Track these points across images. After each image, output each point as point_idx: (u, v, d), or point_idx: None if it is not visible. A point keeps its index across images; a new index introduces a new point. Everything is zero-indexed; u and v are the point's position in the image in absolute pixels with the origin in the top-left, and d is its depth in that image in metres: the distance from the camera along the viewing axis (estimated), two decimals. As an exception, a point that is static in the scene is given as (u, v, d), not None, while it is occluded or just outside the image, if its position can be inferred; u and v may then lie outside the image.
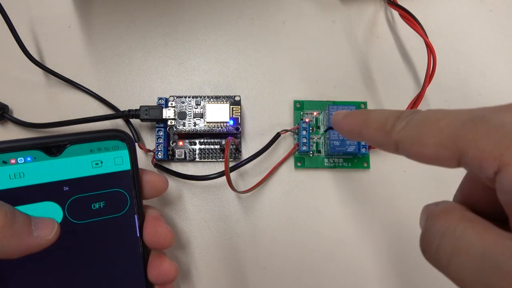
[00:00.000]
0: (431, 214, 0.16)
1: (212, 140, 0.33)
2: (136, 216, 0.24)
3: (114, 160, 0.23)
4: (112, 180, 0.23)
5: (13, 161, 0.21)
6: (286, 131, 0.33)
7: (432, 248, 0.15)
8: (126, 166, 0.23)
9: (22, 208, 0.21)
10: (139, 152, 0.33)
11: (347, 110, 0.20)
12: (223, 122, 0.31)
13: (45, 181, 0.22)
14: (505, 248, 0.12)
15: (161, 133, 0.32)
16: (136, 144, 0.32)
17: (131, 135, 0.33)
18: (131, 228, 0.24)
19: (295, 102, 0.35)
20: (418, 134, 0.15)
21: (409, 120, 0.16)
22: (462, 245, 0.13)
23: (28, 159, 0.22)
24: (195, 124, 0.31)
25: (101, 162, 0.23)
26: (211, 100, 0.32)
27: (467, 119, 0.14)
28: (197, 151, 0.33)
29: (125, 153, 0.23)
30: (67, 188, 0.22)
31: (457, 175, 0.36)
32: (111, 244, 0.23)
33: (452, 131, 0.14)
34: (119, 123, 0.34)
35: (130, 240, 0.24)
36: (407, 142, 0.15)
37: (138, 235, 0.24)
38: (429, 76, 0.32)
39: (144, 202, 0.25)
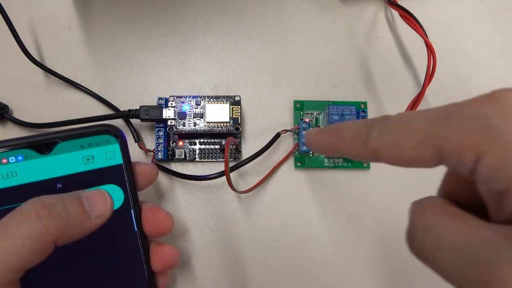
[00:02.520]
0: (415, 210, 0.16)
1: (212, 140, 0.33)
2: (132, 210, 0.24)
3: (106, 154, 0.23)
4: (105, 175, 0.23)
5: (4, 161, 0.21)
6: (286, 131, 0.33)
7: (417, 244, 0.15)
8: (118, 160, 0.23)
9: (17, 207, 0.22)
10: (140, 152, 0.33)
11: (318, 128, 0.20)
12: (223, 122, 0.31)
13: (38, 179, 0.22)
14: (483, 238, 0.13)
15: (161, 133, 0.32)
16: (136, 144, 0.32)
17: (134, 129, 0.33)
18: (128, 222, 0.24)
19: (295, 102, 0.35)
20: (394, 139, 0.15)
21: (383, 127, 0.16)
22: (444, 238, 0.14)
23: (19, 158, 0.22)
24: (195, 124, 0.31)
25: (93, 158, 0.23)
26: (211, 100, 0.32)
27: (440, 117, 0.14)
28: (197, 151, 0.33)
29: (116, 147, 0.23)
30: (60, 185, 0.22)
31: (457, 175, 0.36)
32: (109, 240, 0.23)
33: (428, 130, 0.14)
34: (119, 123, 0.34)
35: (128, 234, 0.24)
36: (384, 148, 0.15)
37: (136, 229, 0.24)
38: (429, 76, 0.32)
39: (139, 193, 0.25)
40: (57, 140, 0.22)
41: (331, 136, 0.18)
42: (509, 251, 0.12)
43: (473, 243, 0.13)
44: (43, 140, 0.22)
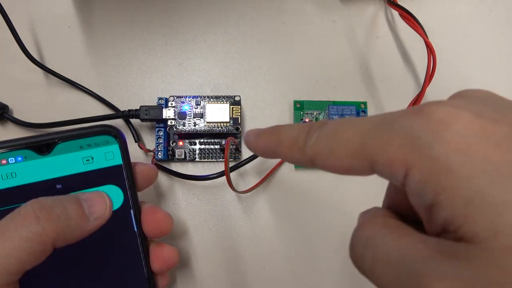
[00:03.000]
0: (359, 222, 0.16)
1: (212, 140, 0.33)
2: (131, 210, 0.24)
3: (105, 155, 0.23)
4: (104, 176, 0.23)
5: (4, 161, 0.21)
6: (286, 131, 0.33)
7: (358, 258, 0.15)
8: (118, 160, 0.23)
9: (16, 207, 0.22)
10: (139, 152, 0.33)
11: (258, 129, 0.19)
12: (223, 122, 0.31)
13: (38, 180, 0.22)
14: (415, 251, 0.13)
15: (161, 133, 0.32)
16: (136, 144, 0.32)
17: (129, 130, 0.33)
18: (127, 223, 0.24)
19: (295, 102, 0.35)
20: (329, 147, 0.15)
21: (319, 134, 0.16)
22: (381, 253, 0.14)
23: (19, 158, 0.22)
24: (195, 124, 0.31)
25: (92, 158, 0.23)
26: (211, 100, 0.32)
27: (372, 127, 0.14)
28: (197, 151, 0.33)
29: (115, 148, 0.23)
30: (60, 186, 0.22)
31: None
32: (108, 240, 0.23)
33: (360, 140, 0.14)
34: (119, 123, 0.34)
35: (128, 235, 0.24)
36: (320, 157, 0.15)
37: (136, 229, 0.24)
38: (429, 76, 0.32)
39: (139, 194, 0.25)
40: (56, 140, 0.22)
41: (270, 139, 0.18)
42: (438, 264, 0.12)
43: (406, 257, 0.13)
44: (43, 140, 0.22)
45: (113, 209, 0.23)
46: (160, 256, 0.24)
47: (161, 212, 0.25)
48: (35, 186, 0.22)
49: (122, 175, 0.23)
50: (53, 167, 0.22)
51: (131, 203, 0.24)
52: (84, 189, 0.23)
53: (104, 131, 0.23)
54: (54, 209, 0.19)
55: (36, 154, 0.22)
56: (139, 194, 0.25)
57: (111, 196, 0.23)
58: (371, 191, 0.34)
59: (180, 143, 0.33)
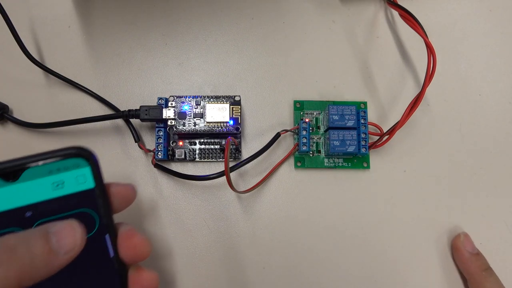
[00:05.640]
0: None
1: (212, 140, 0.33)
2: (107, 235, 0.22)
3: (77, 179, 0.22)
4: (76, 201, 0.22)
5: None
6: (286, 131, 0.33)
7: None
8: (90, 184, 0.22)
9: None
10: (139, 152, 0.33)
11: None
12: (223, 122, 0.31)
13: (6, 208, 0.21)
14: None
15: (161, 133, 0.32)
16: (136, 144, 0.32)
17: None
18: (103, 249, 0.22)
19: (295, 102, 0.35)
20: None
21: None
22: None
23: None
24: (195, 124, 0.31)
25: (63, 183, 0.21)
26: (211, 100, 0.32)
27: None
28: (197, 151, 0.33)
29: (87, 171, 0.22)
30: (30, 214, 0.21)
31: (455, 175, 0.36)
32: (83, 268, 0.22)
33: None
34: (119, 123, 0.34)
35: (104, 261, 0.22)
36: None
37: (112, 255, 0.22)
38: (429, 76, 0.32)
39: (117, 215, 0.24)
40: (24, 166, 0.21)
41: None
42: None
43: None
44: (9, 167, 0.21)
45: (88, 236, 0.21)
46: (138, 283, 0.23)
47: (137, 236, 0.23)
48: (4, 214, 0.21)
49: (95, 198, 0.22)
50: (22, 194, 0.21)
51: (107, 228, 0.22)
52: (56, 215, 0.21)
53: (74, 153, 0.21)
54: (17, 249, 0.18)
55: (3, 181, 0.21)
56: (117, 215, 0.23)
57: (84, 222, 0.21)
58: (371, 191, 0.34)
59: (180, 143, 0.33)
